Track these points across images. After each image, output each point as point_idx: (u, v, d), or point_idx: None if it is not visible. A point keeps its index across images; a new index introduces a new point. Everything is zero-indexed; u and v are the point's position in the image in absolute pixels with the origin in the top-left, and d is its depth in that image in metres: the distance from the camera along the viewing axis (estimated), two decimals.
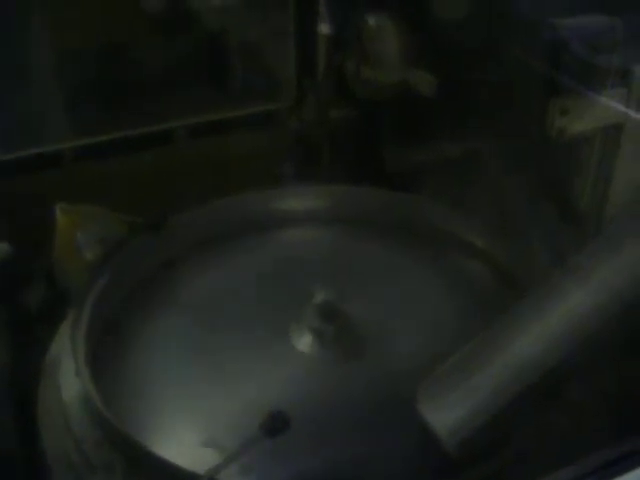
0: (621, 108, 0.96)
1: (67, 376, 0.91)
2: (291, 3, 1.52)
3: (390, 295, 1.11)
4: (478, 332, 0.88)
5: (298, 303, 1.01)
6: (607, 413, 0.93)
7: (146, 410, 0.91)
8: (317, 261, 1.19)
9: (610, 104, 0.97)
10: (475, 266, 1.20)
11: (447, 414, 0.83)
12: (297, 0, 1.51)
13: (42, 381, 0.95)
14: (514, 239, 1.12)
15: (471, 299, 1.11)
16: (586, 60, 0.97)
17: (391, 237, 1.25)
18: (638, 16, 1.01)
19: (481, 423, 0.81)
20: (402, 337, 1.02)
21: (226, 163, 1.46)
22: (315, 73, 1.51)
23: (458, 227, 1.22)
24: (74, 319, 0.97)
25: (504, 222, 1.14)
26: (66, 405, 0.88)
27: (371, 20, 1.36)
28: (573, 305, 0.82)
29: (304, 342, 0.98)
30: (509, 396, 0.81)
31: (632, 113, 0.96)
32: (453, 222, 1.23)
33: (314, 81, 1.52)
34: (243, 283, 1.13)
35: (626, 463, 0.66)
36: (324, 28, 1.49)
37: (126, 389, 0.94)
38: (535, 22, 1.05)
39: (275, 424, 0.79)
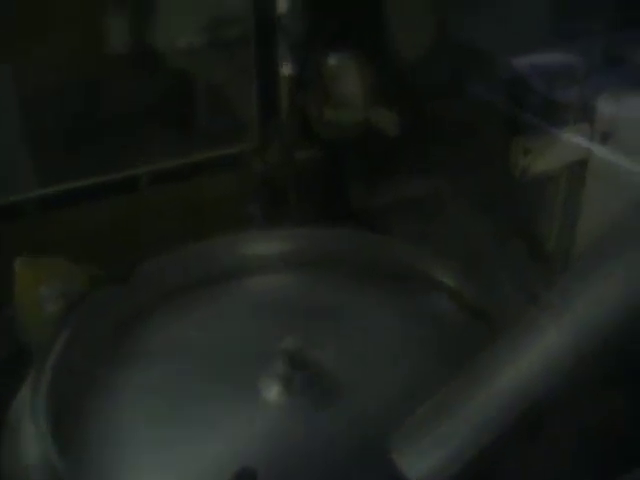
0: (584, 144, 0.96)
1: (28, 441, 0.87)
2: (253, 44, 1.51)
3: (360, 339, 1.08)
4: (452, 375, 0.86)
5: (267, 351, 0.98)
6: (588, 446, 0.91)
7: (112, 473, 0.87)
8: (286, 306, 1.17)
9: (573, 141, 0.96)
10: (446, 306, 1.19)
11: (423, 462, 0.81)
12: (258, 41, 1.51)
13: (1, 447, 0.92)
14: (484, 278, 1.11)
15: (443, 340, 1.09)
16: (547, 97, 0.97)
17: (360, 278, 1.23)
18: (598, 48, 1.01)
19: (458, 470, 0.79)
20: (373, 383, 1.00)
21: (192, 208, 1.44)
22: (279, 114, 1.51)
23: (427, 266, 1.21)
24: (35, 378, 0.94)
25: (473, 260, 1.12)
26: (27, 473, 0.84)
27: (332, 60, 1.36)
28: (547, 344, 0.80)
29: (273, 392, 0.95)
30: (485, 440, 0.79)
31: (595, 149, 0.95)
32: (422, 261, 1.21)
33: (278, 123, 1.51)
34: (211, 332, 1.10)
35: None
36: (286, 69, 1.49)
37: (92, 450, 0.91)
38: (496, 59, 1.04)
39: None
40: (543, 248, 1.07)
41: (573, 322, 0.81)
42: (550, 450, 0.87)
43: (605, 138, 0.94)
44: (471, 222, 1.13)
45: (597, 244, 0.89)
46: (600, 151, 0.94)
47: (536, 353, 0.81)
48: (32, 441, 0.85)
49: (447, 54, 1.17)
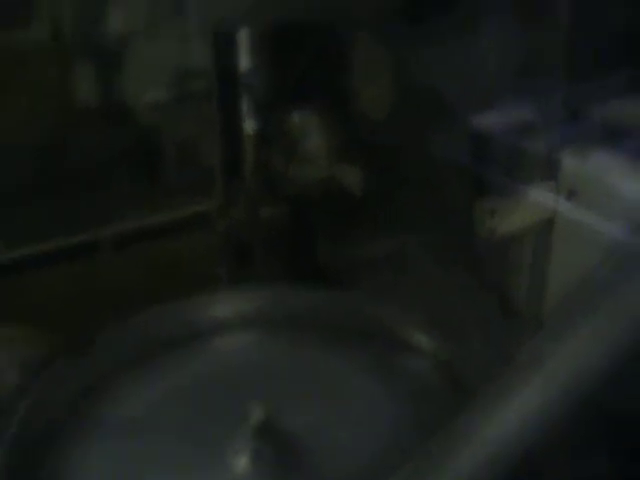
0: (550, 202, 0.95)
1: None
2: (215, 101, 1.51)
3: (329, 401, 1.05)
4: (425, 438, 0.83)
5: (234, 419, 0.95)
6: None
7: None
8: (252, 370, 1.13)
9: (539, 199, 0.96)
10: (417, 365, 1.16)
11: None
12: (221, 98, 1.50)
13: None
14: (455, 336, 1.09)
15: (414, 401, 1.07)
16: (511, 155, 0.96)
17: (328, 337, 1.21)
18: (563, 102, 1.01)
19: None
20: (344, 449, 0.97)
21: (157, 270, 1.41)
22: (243, 171, 1.49)
23: (397, 325, 1.19)
24: None
25: (442, 318, 1.11)
26: None
27: (295, 116, 1.35)
28: (522, 404, 0.79)
29: (241, 463, 0.92)
30: None
31: (561, 207, 0.95)
32: (392, 320, 1.19)
33: (242, 180, 1.50)
34: (175, 400, 1.06)
35: None
36: (249, 125, 1.48)
37: None
38: (460, 115, 1.04)
39: None
40: (513, 305, 1.06)
41: (546, 381, 0.79)
42: None
43: (571, 195, 0.93)
44: (439, 279, 1.12)
45: (567, 302, 0.88)
46: (566, 209, 0.94)
47: (510, 414, 0.79)
48: None
49: (410, 110, 1.16)
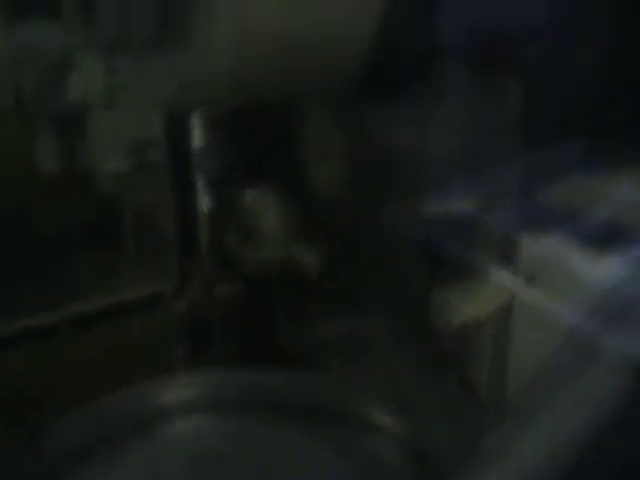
0: (509, 287, 0.94)
1: None
2: (169, 177, 1.49)
3: None
4: None
5: None
6: None
7: None
8: (210, 455, 1.10)
9: (497, 284, 0.95)
10: (376, 445, 1.14)
11: None
12: (174, 175, 1.48)
13: None
14: (415, 416, 1.07)
15: None
16: (469, 235, 0.96)
17: (287, 419, 1.18)
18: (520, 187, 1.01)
19: None
20: None
21: (112, 354, 1.37)
22: (198, 250, 1.47)
23: (356, 404, 1.17)
24: None
25: (403, 399, 1.09)
26: None
27: (249, 194, 1.34)
28: None
29: None
30: None
31: (520, 292, 0.94)
32: (351, 399, 1.17)
33: (198, 258, 1.47)
34: None
35: None
36: (204, 203, 1.47)
37: None
38: (416, 195, 1.04)
39: None
40: (475, 389, 1.04)
41: (512, 467, 0.78)
42: None
43: (529, 280, 0.92)
44: (399, 360, 1.10)
45: (529, 389, 0.87)
46: (525, 294, 0.93)
47: None
48: None
49: (366, 188, 1.16)
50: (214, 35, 0.80)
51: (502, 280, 0.97)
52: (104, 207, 1.51)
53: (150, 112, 1.47)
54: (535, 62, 1.12)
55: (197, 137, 1.46)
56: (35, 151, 1.41)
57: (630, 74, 1.14)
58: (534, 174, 1.01)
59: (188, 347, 1.48)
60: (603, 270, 0.91)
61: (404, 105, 1.05)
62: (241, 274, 1.40)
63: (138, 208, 1.54)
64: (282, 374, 1.22)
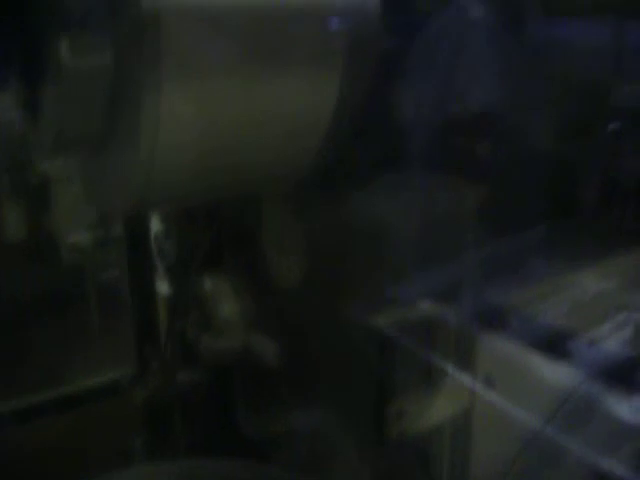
0: (467, 393, 0.91)
1: None
2: (126, 262, 1.46)
3: None
4: None
5: None
6: None
7: None
8: None
9: (455, 388, 0.92)
10: None
11: None
12: (132, 260, 1.46)
13: None
14: None
15: None
16: (428, 330, 0.94)
17: None
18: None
19: None
20: None
21: (67, 443, 1.33)
22: (157, 338, 1.44)
23: None
24: None
25: None
26: None
27: (207, 283, 1.31)
28: None
29: None
30: None
31: (479, 396, 0.91)
32: None
33: (157, 346, 1.44)
34: None
35: None
36: (163, 289, 1.44)
37: None
38: (374, 284, 1.02)
39: None
40: None
41: None
42: None
43: (488, 382, 0.90)
44: (355, 454, 1.07)
45: None
46: (484, 398, 0.90)
47: None
48: None
49: (325, 278, 1.14)
50: (155, 140, 0.78)
51: (461, 382, 0.94)
52: (65, 280, 1.48)
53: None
54: (494, 147, 1.11)
55: (156, 221, 1.44)
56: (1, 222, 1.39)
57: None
58: (494, 265, 1.00)
59: (149, 436, 1.44)
60: (562, 372, 0.89)
61: (361, 197, 1.04)
62: (201, 363, 1.37)
63: (99, 284, 1.51)
64: (240, 466, 1.18)
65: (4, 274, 1.38)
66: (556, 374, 0.87)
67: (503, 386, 0.90)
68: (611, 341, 0.92)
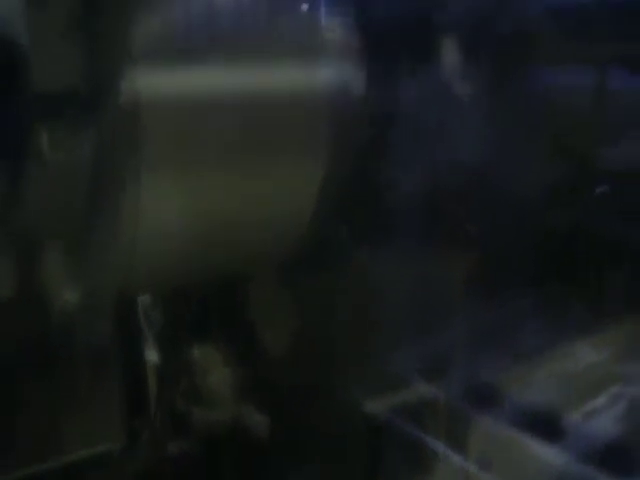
0: (461, 472, 0.89)
1: None
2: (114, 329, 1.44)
3: None
4: None
5: None
6: None
7: None
8: None
9: (449, 470, 0.90)
10: None
11: None
12: (120, 327, 1.44)
13: None
14: None
15: None
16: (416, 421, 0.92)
17: None
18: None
19: None
20: None
21: None
22: (147, 408, 1.42)
23: None
24: None
25: None
26: None
27: (197, 353, 1.30)
28: None
29: None
30: None
31: (473, 476, 0.88)
32: None
33: (147, 417, 1.42)
34: None
35: None
36: (152, 357, 1.42)
37: None
38: (363, 359, 1.01)
39: None
40: None
41: None
42: None
43: (481, 462, 0.88)
44: None
45: None
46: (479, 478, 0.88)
47: None
48: None
49: (315, 351, 1.12)
50: (135, 230, 0.77)
51: (454, 463, 0.92)
52: (54, 344, 1.45)
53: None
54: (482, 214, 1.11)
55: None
56: None
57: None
58: (485, 336, 0.99)
59: None
60: (555, 451, 0.87)
61: (349, 271, 1.03)
62: (191, 433, 1.35)
63: (88, 350, 1.49)
64: None
65: None
66: (550, 454, 0.85)
67: (497, 466, 0.88)
68: (604, 416, 0.91)
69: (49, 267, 1.32)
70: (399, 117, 1.00)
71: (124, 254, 0.81)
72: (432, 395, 0.96)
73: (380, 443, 0.98)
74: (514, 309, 1.06)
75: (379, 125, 0.96)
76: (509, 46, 1.21)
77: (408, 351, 1.01)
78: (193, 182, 0.81)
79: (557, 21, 1.30)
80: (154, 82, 0.75)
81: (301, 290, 1.10)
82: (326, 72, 0.87)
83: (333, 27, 0.89)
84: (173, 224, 0.81)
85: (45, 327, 1.38)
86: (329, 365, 1.09)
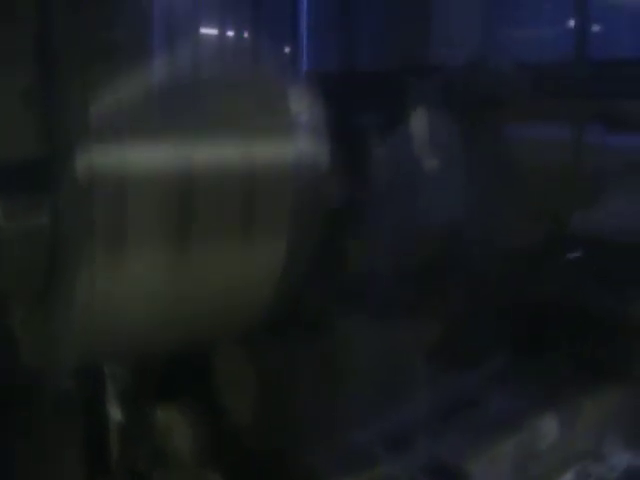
0: None
1: None
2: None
3: None
4: None
5: None
6: None
7: None
8: None
9: None
10: None
11: None
12: (84, 384, 1.40)
13: None
14: None
15: None
16: None
17: None
18: None
19: None
20: None
21: None
22: (109, 468, 1.38)
23: None
24: None
25: None
26: None
27: (160, 414, 1.27)
28: None
29: None
30: None
31: None
32: None
33: (108, 477, 1.38)
34: None
35: None
36: (116, 417, 1.39)
37: None
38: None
39: None
40: None
41: None
42: None
43: None
44: None
45: None
46: None
47: None
48: None
49: (282, 420, 1.10)
50: (89, 305, 0.75)
51: None
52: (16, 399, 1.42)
53: None
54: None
55: None
56: None
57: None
58: (449, 409, 0.96)
59: None
60: None
61: (315, 340, 1.01)
62: None
63: (51, 405, 1.44)
64: None
65: None
66: None
67: None
68: None
69: (10, 326, 1.29)
70: (368, 186, 0.98)
71: (79, 321, 0.79)
72: (395, 472, 0.93)
73: None
74: (479, 381, 1.04)
75: (347, 196, 0.95)
76: (482, 107, 1.20)
77: (372, 425, 0.99)
78: (149, 257, 0.79)
79: (534, 78, 1.30)
80: (110, 157, 0.73)
81: (266, 358, 1.08)
82: (292, 145, 0.86)
83: (300, 97, 0.88)
84: (133, 298, 0.80)
85: (5, 383, 1.34)
86: (293, 433, 1.06)
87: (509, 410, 1.01)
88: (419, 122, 1.08)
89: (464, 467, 0.92)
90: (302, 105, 0.86)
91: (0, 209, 0.71)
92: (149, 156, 0.75)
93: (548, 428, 1.00)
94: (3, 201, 0.71)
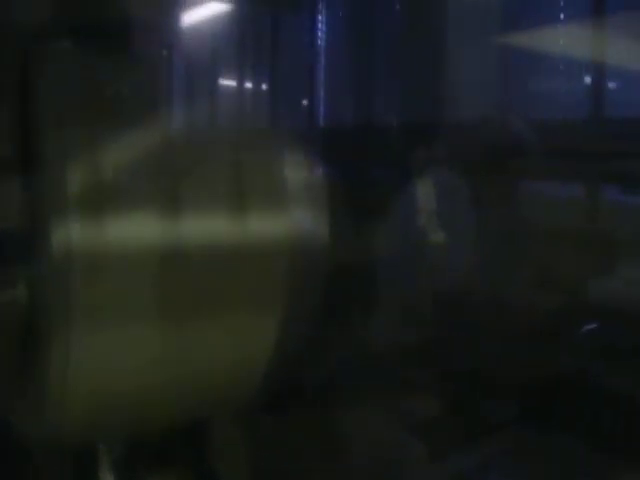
0: None
1: None
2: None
3: None
4: None
5: None
6: None
7: None
8: None
9: None
10: None
11: None
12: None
13: None
14: None
15: None
16: None
17: None
18: None
19: None
20: None
21: None
22: None
23: None
24: None
25: None
26: None
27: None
28: None
29: None
30: None
31: None
32: None
33: None
34: None
35: None
36: None
37: None
38: None
39: None
40: None
41: None
42: None
43: None
44: None
45: None
46: None
47: None
48: None
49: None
50: (65, 380, 0.71)
51: None
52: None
53: None
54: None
55: None
56: None
57: None
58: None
59: None
60: None
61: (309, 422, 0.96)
62: None
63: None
64: None
65: None
66: None
67: None
68: None
69: None
70: (371, 253, 0.94)
71: (56, 394, 0.74)
72: None
73: None
74: (481, 461, 0.99)
75: (347, 270, 0.90)
76: (493, 166, 1.16)
77: None
78: (133, 333, 0.74)
79: (548, 137, 1.26)
80: (89, 230, 0.69)
81: (264, 431, 1.03)
82: (288, 218, 0.82)
83: (302, 162, 0.84)
84: (116, 375, 0.75)
85: None
86: None
87: None
88: (428, 184, 1.04)
89: None
90: (303, 171, 0.82)
91: None
92: (132, 229, 0.71)
93: None
94: None
